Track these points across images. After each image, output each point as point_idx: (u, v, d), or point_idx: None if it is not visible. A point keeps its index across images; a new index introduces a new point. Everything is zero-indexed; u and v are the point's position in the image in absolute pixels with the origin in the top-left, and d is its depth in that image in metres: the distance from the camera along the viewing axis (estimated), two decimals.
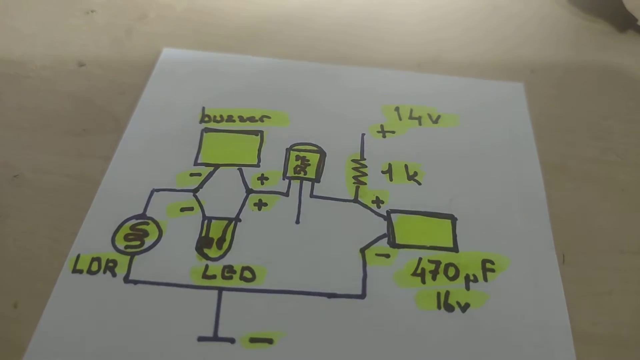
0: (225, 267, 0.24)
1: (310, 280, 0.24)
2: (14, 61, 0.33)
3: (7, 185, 0.27)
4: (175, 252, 0.25)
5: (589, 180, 0.29)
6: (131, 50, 0.34)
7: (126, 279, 0.24)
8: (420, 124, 0.31)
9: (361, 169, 0.28)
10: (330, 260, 0.25)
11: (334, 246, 0.25)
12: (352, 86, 0.32)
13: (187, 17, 0.37)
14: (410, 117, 0.31)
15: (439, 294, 0.24)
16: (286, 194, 0.27)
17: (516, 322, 0.23)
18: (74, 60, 0.33)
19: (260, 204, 0.27)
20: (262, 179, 0.28)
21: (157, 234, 0.25)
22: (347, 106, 0.31)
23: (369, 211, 0.27)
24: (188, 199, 0.27)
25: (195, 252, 0.25)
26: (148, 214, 0.26)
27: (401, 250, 0.25)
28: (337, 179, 0.28)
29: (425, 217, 0.26)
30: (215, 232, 0.25)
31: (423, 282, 0.24)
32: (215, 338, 0.22)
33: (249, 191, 0.27)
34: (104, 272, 0.24)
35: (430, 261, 0.25)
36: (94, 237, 0.25)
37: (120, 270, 0.24)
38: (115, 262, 0.24)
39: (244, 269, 0.24)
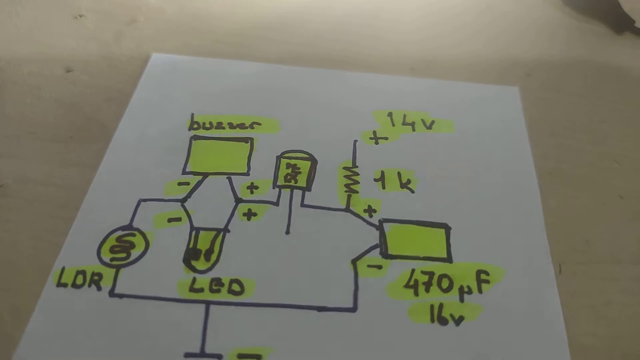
0: (213, 279, 0.24)
1: (300, 293, 0.23)
2: (0, 67, 0.32)
3: None
4: (162, 265, 0.24)
5: (586, 187, 0.28)
6: (120, 55, 0.34)
7: (111, 293, 0.23)
8: (413, 129, 0.30)
9: (353, 177, 0.28)
10: (321, 272, 0.24)
11: (325, 257, 0.25)
12: (344, 92, 0.32)
13: (177, 22, 0.36)
14: (404, 123, 0.30)
15: (432, 307, 0.23)
16: (276, 204, 0.26)
17: (511, 334, 0.23)
18: (61, 66, 0.33)
19: (249, 214, 0.26)
20: (252, 187, 0.27)
21: (143, 245, 0.25)
22: (339, 112, 0.31)
23: (360, 221, 0.26)
24: (176, 209, 0.26)
25: (182, 265, 0.24)
26: (135, 224, 0.25)
27: (394, 261, 0.25)
28: (328, 187, 0.27)
29: (418, 227, 0.26)
30: (203, 244, 0.25)
31: (416, 294, 0.24)
32: (202, 354, 0.22)
33: (238, 200, 0.26)
34: (89, 285, 0.23)
35: (423, 272, 0.24)
36: (79, 249, 0.25)
37: (106, 284, 0.23)
38: (100, 275, 0.24)
39: (232, 281, 0.24)
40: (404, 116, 0.31)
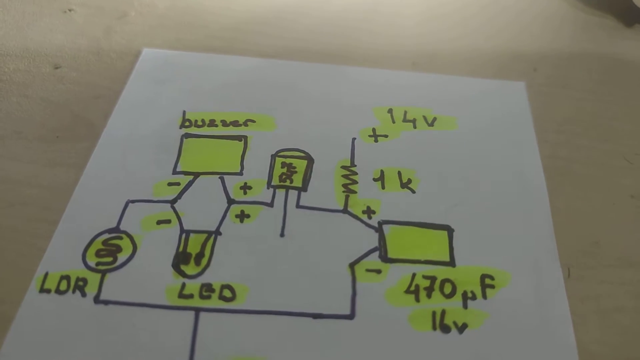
0: (203, 285, 0.23)
1: (295, 300, 0.22)
2: None
3: None
4: (150, 269, 0.23)
5: (595, 187, 0.27)
6: (110, 51, 0.32)
7: (96, 299, 0.22)
8: (414, 127, 0.29)
9: (351, 177, 0.26)
10: (317, 277, 0.23)
11: (321, 261, 0.23)
12: (343, 87, 0.31)
13: (169, 16, 0.35)
14: (404, 120, 0.29)
15: (434, 314, 0.22)
16: (270, 205, 0.25)
17: (517, 343, 0.21)
18: (49, 62, 0.32)
19: (242, 216, 0.25)
20: (245, 188, 0.26)
21: (131, 249, 0.24)
22: (337, 109, 0.29)
23: (359, 222, 0.25)
24: (165, 211, 0.25)
25: (171, 269, 0.23)
26: (122, 227, 0.24)
27: (393, 265, 0.23)
28: (325, 187, 0.26)
29: (419, 229, 0.25)
30: (193, 247, 0.24)
31: (417, 300, 0.22)
32: None
33: (231, 202, 0.25)
34: (73, 291, 0.22)
35: (425, 277, 0.23)
36: (64, 253, 0.23)
37: (91, 290, 0.22)
38: (85, 280, 0.23)
39: (223, 287, 0.23)
40: (405, 113, 0.29)
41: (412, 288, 0.23)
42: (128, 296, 0.22)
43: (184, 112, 0.29)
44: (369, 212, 0.25)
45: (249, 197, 0.25)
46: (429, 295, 0.23)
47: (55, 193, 0.26)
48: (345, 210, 0.25)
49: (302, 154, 0.27)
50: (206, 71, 0.31)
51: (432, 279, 0.23)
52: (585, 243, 0.25)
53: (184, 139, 0.28)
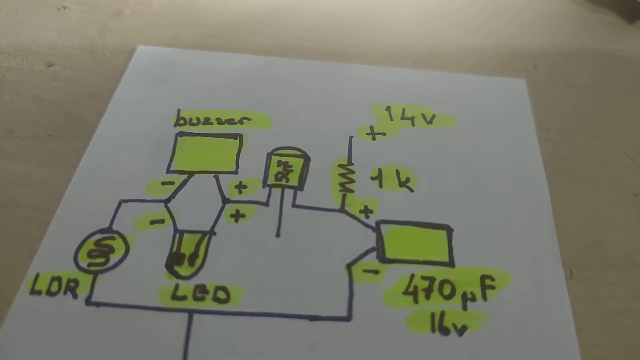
0: (197, 286, 0.22)
1: (291, 301, 0.22)
2: None
3: None
4: (142, 270, 0.23)
5: (597, 186, 0.27)
6: (104, 49, 0.32)
7: (88, 301, 0.22)
8: (413, 124, 0.28)
9: (348, 175, 0.26)
10: (313, 278, 0.22)
11: (318, 262, 0.23)
12: (340, 85, 0.30)
13: (164, 14, 0.34)
14: (403, 118, 0.29)
15: (433, 315, 0.22)
16: (266, 204, 0.25)
17: (518, 346, 0.21)
18: (42, 60, 0.31)
19: (237, 215, 0.24)
20: (240, 187, 0.25)
21: (123, 250, 0.23)
22: (335, 106, 0.29)
23: (356, 222, 0.24)
24: (159, 210, 0.24)
25: (164, 270, 0.23)
26: (115, 227, 0.24)
27: (391, 265, 0.23)
28: (322, 186, 0.25)
29: (418, 228, 0.24)
30: (187, 247, 0.23)
31: (416, 301, 0.22)
32: None
33: (226, 201, 0.25)
34: (65, 293, 0.22)
35: (423, 278, 0.23)
36: (55, 253, 0.23)
37: (82, 291, 0.22)
38: (77, 281, 0.22)
39: (217, 288, 0.22)
40: (403, 110, 0.29)
41: (411, 289, 0.22)
42: (120, 298, 0.22)
43: (179, 110, 0.28)
44: (367, 211, 0.25)
45: (244, 196, 0.25)
46: (427, 297, 0.22)
47: (48, 193, 0.25)
48: (342, 210, 0.25)
49: (299, 153, 0.27)
50: (201, 69, 0.31)
51: (431, 279, 0.23)
52: (587, 243, 0.24)
53: (179, 138, 0.27)
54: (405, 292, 0.22)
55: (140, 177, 0.26)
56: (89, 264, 0.23)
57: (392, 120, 0.28)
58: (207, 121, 0.28)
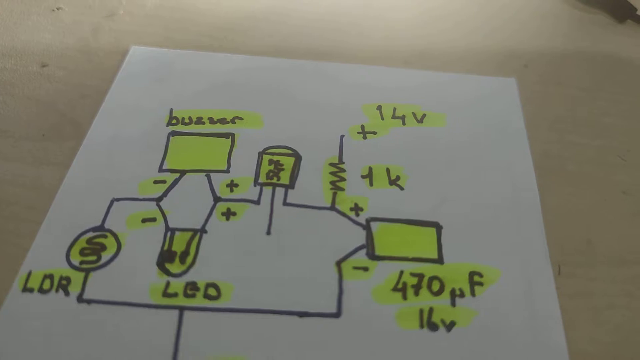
0: (188, 283, 0.22)
1: (281, 298, 0.22)
2: None
3: None
4: (134, 268, 0.23)
5: (587, 183, 0.27)
6: (98, 50, 0.32)
7: (80, 299, 0.22)
8: (403, 123, 0.28)
9: (339, 174, 0.26)
10: (303, 275, 0.23)
11: (308, 259, 0.23)
12: (332, 84, 0.30)
13: (158, 15, 0.35)
14: (394, 117, 0.29)
15: (421, 311, 0.22)
16: (257, 202, 0.25)
17: (507, 341, 0.21)
18: (36, 61, 0.31)
19: (228, 214, 0.24)
20: (232, 185, 0.25)
21: (115, 247, 0.23)
22: (326, 106, 0.29)
23: (346, 219, 0.24)
24: (151, 209, 0.25)
25: (156, 268, 0.23)
26: (107, 225, 0.24)
27: (381, 262, 0.23)
28: (312, 184, 0.26)
29: (407, 226, 0.24)
30: (178, 245, 0.23)
31: (404, 298, 0.22)
32: None
33: (217, 199, 0.25)
34: (57, 290, 0.22)
35: (412, 274, 0.23)
36: (48, 252, 0.23)
37: (74, 289, 0.22)
38: (69, 279, 0.22)
39: (208, 285, 0.22)
40: (394, 109, 0.29)
41: (400, 286, 0.22)
42: (111, 295, 0.22)
43: (171, 110, 0.29)
44: (357, 209, 0.25)
45: (235, 194, 0.25)
46: (416, 293, 0.22)
47: (41, 192, 0.25)
48: (332, 208, 0.25)
49: (290, 151, 0.27)
50: (194, 69, 0.31)
51: (420, 276, 0.23)
52: (576, 240, 0.25)
53: (171, 137, 0.27)
54: (395, 289, 0.22)
55: (132, 176, 0.26)
56: (81, 262, 0.23)
57: (383, 119, 0.29)
58: (199, 121, 0.28)
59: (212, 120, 0.28)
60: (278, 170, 0.26)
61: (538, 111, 0.30)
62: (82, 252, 0.23)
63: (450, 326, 0.21)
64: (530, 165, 0.27)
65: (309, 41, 0.33)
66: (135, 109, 0.29)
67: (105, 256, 0.23)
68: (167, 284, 0.22)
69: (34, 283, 0.22)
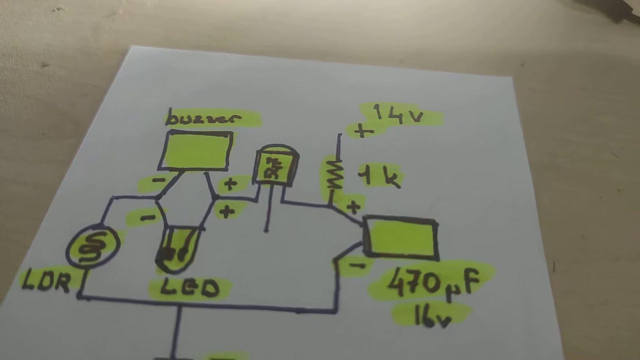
0: (186, 280, 0.22)
1: (278, 294, 0.22)
2: None
3: None
4: (133, 265, 0.23)
5: (582, 181, 0.27)
6: (97, 49, 0.32)
7: (79, 295, 0.22)
8: (401, 122, 0.29)
9: (336, 172, 0.26)
10: (300, 272, 0.23)
11: (305, 256, 0.23)
12: (329, 83, 0.30)
13: (157, 14, 0.35)
14: (391, 115, 0.29)
15: (417, 308, 0.22)
16: (255, 200, 0.25)
17: (502, 337, 0.21)
18: (36, 61, 0.32)
19: (226, 211, 0.25)
20: (230, 183, 0.26)
21: (114, 245, 0.24)
22: (323, 105, 0.29)
23: (343, 217, 0.25)
24: (149, 207, 0.25)
25: (154, 265, 0.23)
26: (106, 223, 0.24)
27: (377, 259, 0.23)
28: (310, 182, 0.26)
29: (404, 223, 0.25)
30: (177, 243, 0.24)
31: (400, 294, 0.22)
32: (172, 359, 0.20)
33: (215, 197, 0.25)
34: (56, 287, 0.22)
35: (408, 271, 0.23)
36: (47, 249, 0.23)
37: (74, 286, 0.22)
38: (68, 276, 0.23)
39: (206, 282, 0.22)
40: (391, 108, 0.29)
41: (396, 282, 0.23)
42: (111, 292, 0.22)
43: (170, 109, 0.29)
44: (354, 207, 0.25)
45: (233, 192, 0.25)
46: (412, 290, 0.22)
47: (41, 190, 0.26)
48: (330, 205, 0.25)
49: (288, 150, 0.27)
50: (193, 68, 0.31)
51: (416, 273, 0.23)
52: (571, 237, 0.25)
53: (170, 136, 0.28)
54: (391, 286, 0.23)
55: (131, 174, 0.26)
56: (81, 259, 0.23)
57: (380, 118, 0.29)
58: (198, 119, 0.28)
59: (210, 119, 0.28)
60: (276, 168, 0.26)
61: (534, 110, 0.30)
62: (81, 250, 0.23)
63: (445, 322, 0.22)
64: (526, 163, 0.27)
65: (307, 41, 0.34)
66: (135, 108, 0.29)
67: (105, 253, 0.23)
68: (166, 281, 0.22)
69: (34, 280, 0.22)
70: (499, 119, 0.29)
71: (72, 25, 0.34)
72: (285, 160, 0.27)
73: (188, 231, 0.24)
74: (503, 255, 0.24)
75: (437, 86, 0.31)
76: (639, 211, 0.26)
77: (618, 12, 0.36)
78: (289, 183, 0.26)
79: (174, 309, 0.22)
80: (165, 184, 0.26)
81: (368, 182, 0.26)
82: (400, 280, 0.23)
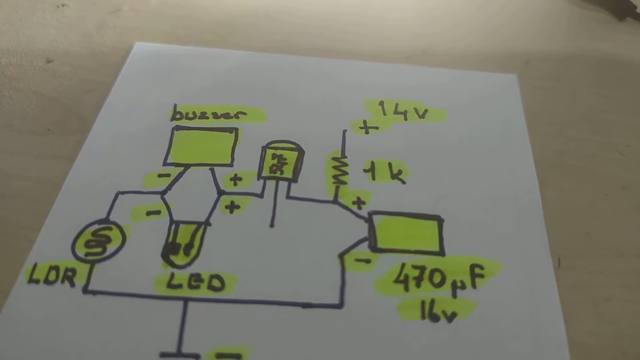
0: (192, 275, 0.23)
1: (284, 289, 0.22)
2: None
3: None
4: (138, 260, 0.23)
5: (586, 178, 0.27)
6: (102, 45, 0.32)
7: (85, 290, 0.22)
8: (405, 119, 0.29)
9: (342, 168, 0.26)
10: (306, 267, 0.23)
11: (311, 252, 0.23)
12: (334, 80, 0.31)
13: (162, 11, 0.35)
14: (395, 112, 0.29)
15: (423, 303, 0.22)
16: (260, 196, 0.25)
17: (507, 332, 0.21)
18: (41, 57, 0.32)
19: (232, 207, 0.25)
20: (235, 179, 0.26)
21: (120, 239, 0.24)
22: (328, 101, 0.29)
23: (349, 213, 0.25)
24: (155, 202, 0.25)
25: (160, 260, 0.23)
26: (112, 218, 0.24)
27: (383, 255, 0.23)
28: (315, 178, 0.26)
29: (409, 219, 0.25)
30: (182, 238, 0.24)
31: (406, 289, 0.22)
32: (178, 354, 0.20)
33: (221, 193, 0.25)
34: (62, 282, 0.22)
35: (414, 267, 0.23)
36: (53, 243, 0.23)
37: (80, 280, 0.22)
38: (74, 270, 0.23)
39: (212, 277, 0.22)
40: (396, 105, 0.29)
41: (402, 277, 0.23)
42: (116, 286, 0.22)
43: (175, 105, 0.29)
44: (359, 202, 0.25)
45: (239, 188, 0.25)
46: (418, 285, 0.22)
47: (46, 185, 0.26)
48: (335, 201, 0.25)
49: (293, 146, 0.27)
50: (198, 64, 0.31)
51: (422, 268, 0.23)
52: (576, 233, 0.25)
53: (175, 131, 0.28)
54: (396, 281, 0.23)
55: (137, 169, 0.26)
56: (86, 254, 0.23)
57: (385, 114, 0.29)
58: (203, 115, 0.28)
59: (216, 115, 0.28)
60: (281, 164, 0.26)
61: (538, 107, 0.30)
62: (87, 244, 0.23)
63: (451, 317, 0.22)
64: (530, 159, 0.27)
65: (310, 39, 0.34)
66: (140, 104, 0.29)
67: (111, 248, 0.23)
68: (172, 276, 0.22)
69: (39, 274, 0.22)
70: (503, 116, 0.29)
71: (77, 22, 0.34)
72: (291, 156, 0.27)
73: (194, 226, 0.24)
74: (508, 251, 0.24)
75: (442, 83, 0.31)
76: None
77: (622, 10, 0.36)
78: (294, 179, 0.26)
79: (180, 303, 0.22)
80: (170, 179, 0.26)
81: (373, 178, 0.26)
82: (406, 276, 0.23)
